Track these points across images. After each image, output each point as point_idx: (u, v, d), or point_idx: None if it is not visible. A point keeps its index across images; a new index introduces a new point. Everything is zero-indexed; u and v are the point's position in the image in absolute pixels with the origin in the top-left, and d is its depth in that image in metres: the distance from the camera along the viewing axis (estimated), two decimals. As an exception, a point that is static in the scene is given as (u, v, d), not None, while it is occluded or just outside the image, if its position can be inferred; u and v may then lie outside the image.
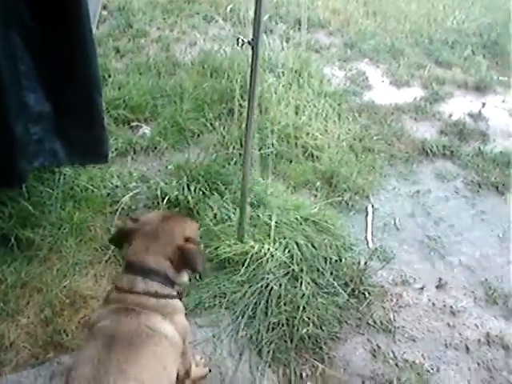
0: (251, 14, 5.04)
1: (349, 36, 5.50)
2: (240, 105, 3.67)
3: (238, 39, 2.10)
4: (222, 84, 4.01)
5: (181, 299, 1.73)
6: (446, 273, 2.81)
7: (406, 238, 3.04)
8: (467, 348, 2.40)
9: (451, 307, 2.60)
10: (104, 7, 5.71)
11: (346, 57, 5.08)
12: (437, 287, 2.72)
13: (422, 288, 2.71)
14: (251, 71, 2.20)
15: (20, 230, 2.65)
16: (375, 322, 2.48)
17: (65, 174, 3.02)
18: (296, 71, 4.16)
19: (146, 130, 3.76)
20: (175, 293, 1.68)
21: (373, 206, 3.25)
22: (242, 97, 3.81)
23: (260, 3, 2.00)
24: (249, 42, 2.10)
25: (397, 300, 2.62)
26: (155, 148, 3.57)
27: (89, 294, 2.44)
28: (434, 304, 2.62)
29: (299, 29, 5.57)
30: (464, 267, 2.86)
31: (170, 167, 3.35)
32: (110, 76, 4.27)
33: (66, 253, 2.64)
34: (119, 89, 4.05)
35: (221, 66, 4.22)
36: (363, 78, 4.69)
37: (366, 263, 2.74)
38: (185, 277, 1.73)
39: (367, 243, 2.96)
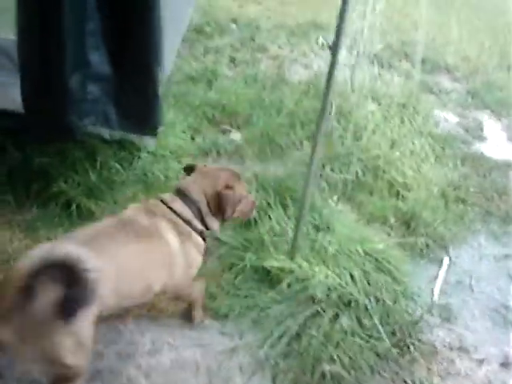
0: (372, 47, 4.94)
1: (474, 85, 5.14)
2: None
3: (318, 38, 2.02)
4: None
5: (204, 240, 2.01)
6: (516, 351, 2.41)
7: (479, 301, 2.67)
8: None
9: (511, 391, 2.22)
10: (234, 21, 5.92)
11: (466, 104, 4.73)
12: (501, 365, 2.34)
13: (483, 361, 2.34)
14: (328, 77, 2.09)
15: (84, 199, 2.74)
16: (414, 382, 2.18)
17: (141, 158, 3.09)
18: (403, 106, 3.94)
19: (234, 135, 3.77)
20: (200, 229, 1.97)
21: (450, 258, 2.92)
22: (338, 121, 3.70)
23: (344, 8, 1.91)
24: (329, 47, 2.00)
25: (447, 365, 2.29)
26: (238, 154, 3.56)
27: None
28: (490, 382, 2.25)
29: (422, 70, 5.36)
30: (541, 351, 2.44)
31: (247, 175, 3.29)
32: (216, 80, 4.37)
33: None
34: (221, 93, 4.12)
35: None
36: (478, 128, 4.32)
37: (422, 315, 2.45)
38: (215, 224, 2.04)
39: (432, 296, 2.65)
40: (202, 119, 3.81)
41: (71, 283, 1.43)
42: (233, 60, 4.93)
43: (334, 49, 1.99)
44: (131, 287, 1.79)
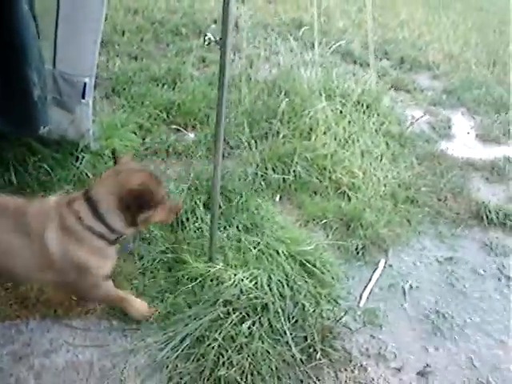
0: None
1: (452, 81, 4.96)
2: (278, 128, 3.48)
3: (205, 36, 1.95)
4: (277, 103, 3.80)
5: (111, 242, 1.92)
6: (438, 359, 2.27)
7: (411, 307, 2.53)
8: None
9: (425, 402, 2.09)
10: (215, 21, 5.86)
11: (440, 102, 4.57)
12: (418, 374, 2.20)
13: (399, 369, 2.21)
14: (220, 74, 2.02)
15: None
16: (318, 391, 2.08)
17: (84, 159, 3.04)
18: (362, 105, 3.82)
19: (187, 135, 3.71)
20: (90, 226, 1.84)
21: (386, 261, 2.79)
22: (289, 120, 3.61)
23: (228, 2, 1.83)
24: (216, 42, 1.93)
25: (358, 373, 2.17)
26: (187, 153, 3.51)
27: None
28: (402, 391, 2.13)
29: (400, 67, 5.22)
30: (466, 360, 2.29)
31: (192, 176, 3.22)
32: (181, 81, 4.33)
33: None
34: (181, 93, 4.07)
35: (289, 86, 4.02)
36: (446, 126, 4.16)
37: (337, 320, 2.34)
38: (119, 225, 1.87)
39: (359, 301, 2.54)
40: (156, 120, 3.78)
41: None
42: (203, 60, 4.88)
43: (223, 45, 1.91)
44: None
